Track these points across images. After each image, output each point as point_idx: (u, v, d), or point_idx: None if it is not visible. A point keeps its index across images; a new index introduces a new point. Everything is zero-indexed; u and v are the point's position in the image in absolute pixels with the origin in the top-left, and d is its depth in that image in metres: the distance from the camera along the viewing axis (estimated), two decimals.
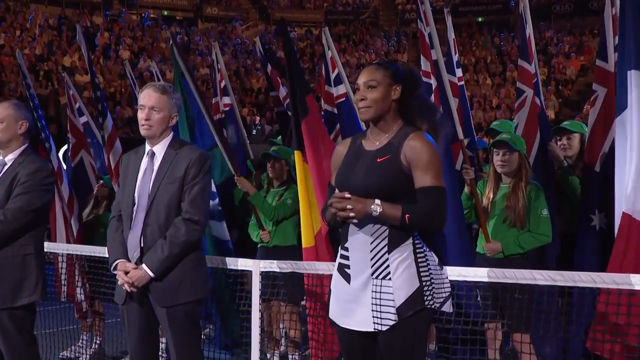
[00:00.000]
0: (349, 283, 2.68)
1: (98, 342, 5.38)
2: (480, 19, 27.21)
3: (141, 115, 3.26)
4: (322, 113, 5.24)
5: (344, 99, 4.98)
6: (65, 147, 7.15)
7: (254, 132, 17.46)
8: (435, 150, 2.60)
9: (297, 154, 4.11)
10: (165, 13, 25.78)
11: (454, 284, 3.15)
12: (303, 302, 4.47)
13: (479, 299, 3.72)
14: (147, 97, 3.26)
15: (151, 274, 3.15)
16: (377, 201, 2.53)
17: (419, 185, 2.58)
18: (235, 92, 19.84)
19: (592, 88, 3.82)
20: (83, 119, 6.54)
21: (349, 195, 2.52)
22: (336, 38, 24.78)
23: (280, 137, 6.27)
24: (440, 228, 2.66)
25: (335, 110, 5.03)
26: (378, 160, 2.64)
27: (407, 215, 2.53)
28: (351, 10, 28.78)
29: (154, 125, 3.26)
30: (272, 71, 6.42)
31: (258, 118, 18.60)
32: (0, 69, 17.74)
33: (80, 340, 5.43)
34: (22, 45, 19.48)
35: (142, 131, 3.27)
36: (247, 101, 20.18)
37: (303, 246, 4.07)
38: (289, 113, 5.88)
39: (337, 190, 2.66)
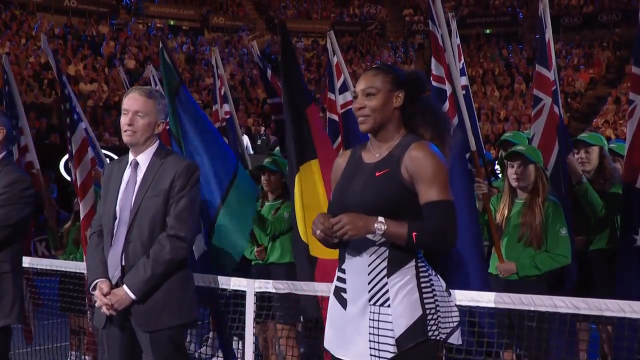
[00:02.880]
0: (345, 309, 2.42)
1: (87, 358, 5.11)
2: (488, 31, 27.00)
3: (124, 120, 2.99)
4: (326, 122, 4.99)
5: (350, 107, 4.71)
6: (67, 156, 6.94)
7: (259, 142, 17.23)
8: (440, 160, 2.33)
9: (314, 163, 3.80)
10: (172, 23, 25.70)
11: (466, 310, 2.87)
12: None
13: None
14: (131, 101, 3.00)
15: (132, 295, 2.87)
16: (381, 219, 2.26)
17: (424, 201, 2.31)
18: (241, 102, 19.79)
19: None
20: (82, 125, 6.30)
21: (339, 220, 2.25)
22: (343, 49, 24.62)
23: (278, 148, 5.98)
24: (450, 247, 2.38)
25: (337, 119, 4.75)
26: (377, 174, 2.37)
27: (414, 234, 2.25)
28: (358, 22, 28.64)
29: (138, 131, 2.98)
30: (273, 76, 6.14)
31: (263, 128, 18.38)
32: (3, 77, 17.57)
33: (69, 358, 5.18)
34: (27, 54, 19.38)
35: (125, 138, 3.00)
36: (252, 111, 19.98)
37: (320, 257, 3.76)
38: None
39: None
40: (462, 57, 4.80)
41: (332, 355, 2.48)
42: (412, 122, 2.45)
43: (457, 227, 2.33)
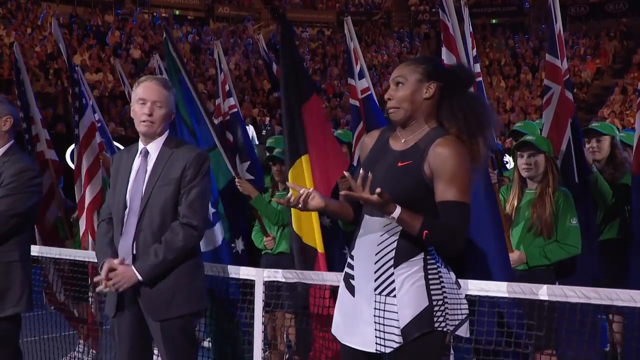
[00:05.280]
0: (353, 296, 2.43)
1: (94, 351, 5.13)
2: (494, 21, 26.85)
3: (142, 109, 2.96)
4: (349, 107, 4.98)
5: (368, 93, 4.69)
6: (73, 146, 6.95)
7: (264, 132, 17.22)
8: (464, 160, 2.29)
9: (304, 159, 3.86)
10: (177, 12, 25.64)
11: (475, 300, 2.86)
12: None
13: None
14: (149, 90, 2.97)
15: (139, 276, 2.85)
16: (399, 208, 2.25)
17: (441, 199, 2.28)
18: (246, 93, 19.76)
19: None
20: (90, 110, 6.29)
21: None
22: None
23: (272, 140, 5.96)
24: (457, 250, 2.34)
25: (358, 104, 4.71)
26: (399, 164, 2.36)
27: (425, 232, 2.24)
28: (363, 11, 28.50)
29: (156, 121, 2.97)
30: (278, 70, 6.14)
31: (268, 118, 18.36)
32: (11, 67, 17.59)
33: (77, 348, 5.19)
34: (32, 44, 19.37)
35: (142, 128, 2.98)
36: (257, 101, 19.95)
37: (319, 251, 3.80)
38: None
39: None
40: (475, 46, 4.76)
41: (340, 342, 2.49)
42: (441, 115, 2.41)
43: (467, 231, 2.33)
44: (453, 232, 2.28)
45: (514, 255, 3.63)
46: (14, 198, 3.19)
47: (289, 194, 2.39)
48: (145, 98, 2.96)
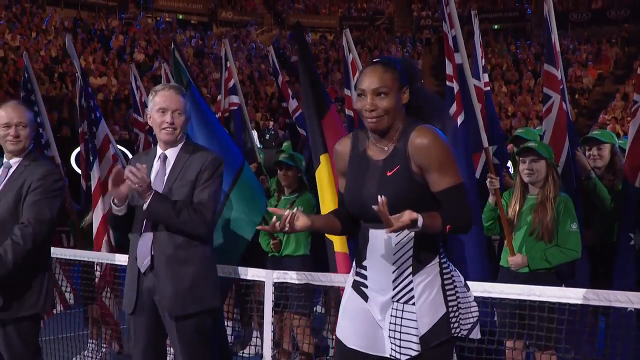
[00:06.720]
0: (366, 301, 2.43)
1: (104, 348, 5.24)
2: (496, 26, 26.97)
3: (163, 118, 3.08)
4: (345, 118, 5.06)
5: None
6: (78, 149, 7.03)
7: (267, 136, 17.32)
8: (444, 142, 2.31)
9: (324, 157, 3.91)
10: (180, 17, 25.79)
11: (478, 301, 2.97)
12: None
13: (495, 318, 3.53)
14: (169, 99, 3.09)
15: (150, 196, 2.93)
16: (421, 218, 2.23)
17: (439, 188, 2.30)
18: (249, 97, 19.87)
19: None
20: (103, 122, 6.39)
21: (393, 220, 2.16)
22: None
23: (288, 144, 6.06)
24: (471, 224, 2.42)
25: (352, 114, 4.83)
26: (388, 173, 2.35)
27: (447, 226, 2.27)
28: (366, 16, 28.66)
29: (178, 129, 3.11)
30: (284, 82, 6.26)
31: (271, 123, 18.46)
32: (16, 70, 17.72)
33: (88, 347, 5.29)
34: (37, 47, 19.50)
35: (164, 136, 3.10)
36: (260, 106, 20.06)
37: (338, 251, 3.86)
38: (298, 128, 5.72)
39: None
40: (484, 55, 4.89)
41: (342, 345, 2.46)
42: (419, 118, 2.41)
43: (470, 205, 2.35)
44: (462, 213, 2.31)
45: (516, 259, 3.74)
46: (44, 203, 3.25)
47: (273, 218, 2.35)
48: (166, 107, 3.08)
